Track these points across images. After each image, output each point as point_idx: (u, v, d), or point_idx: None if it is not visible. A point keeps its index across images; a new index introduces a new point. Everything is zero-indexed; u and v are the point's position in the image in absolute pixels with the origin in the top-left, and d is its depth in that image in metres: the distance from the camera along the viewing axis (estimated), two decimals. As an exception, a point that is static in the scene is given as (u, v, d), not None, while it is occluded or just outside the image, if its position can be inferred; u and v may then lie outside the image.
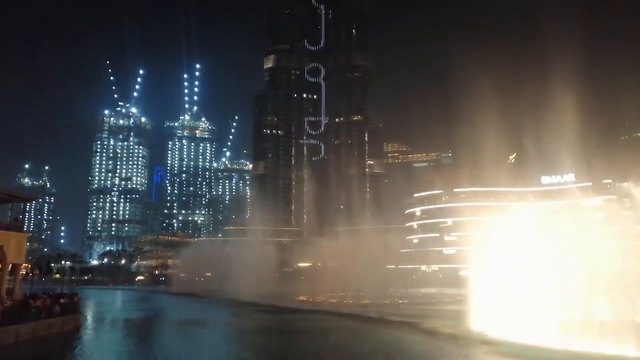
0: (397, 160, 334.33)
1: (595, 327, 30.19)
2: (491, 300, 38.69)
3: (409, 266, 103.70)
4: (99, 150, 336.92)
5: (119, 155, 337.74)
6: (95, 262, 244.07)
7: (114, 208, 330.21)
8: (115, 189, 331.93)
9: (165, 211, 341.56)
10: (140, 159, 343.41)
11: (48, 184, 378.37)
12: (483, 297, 39.46)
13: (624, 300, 32.52)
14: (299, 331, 42.60)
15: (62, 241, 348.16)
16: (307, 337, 38.83)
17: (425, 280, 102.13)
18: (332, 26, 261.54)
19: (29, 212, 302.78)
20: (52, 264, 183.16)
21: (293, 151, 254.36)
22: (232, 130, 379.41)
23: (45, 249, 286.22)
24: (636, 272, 31.88)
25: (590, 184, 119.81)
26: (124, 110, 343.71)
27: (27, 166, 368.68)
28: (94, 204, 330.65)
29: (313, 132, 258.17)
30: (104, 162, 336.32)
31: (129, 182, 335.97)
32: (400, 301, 70.47)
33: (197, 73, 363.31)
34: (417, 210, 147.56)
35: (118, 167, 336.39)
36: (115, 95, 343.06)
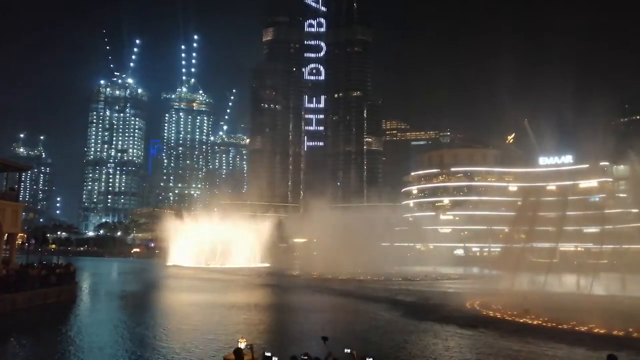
0: (395, 138, 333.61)
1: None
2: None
3: (404, 244, 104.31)
4: (94, 121, 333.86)
5: (115, 126, 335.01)
6: (91, 234, 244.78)
7: (110, 180, 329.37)
8: (111, 160, 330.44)
9: (162, 184, 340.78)
10: (136, 130, 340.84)
11: (43, 154, 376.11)
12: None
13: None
14: (291, 307, 42.97)
15: (57, 212, 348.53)
16: (296, 312, 39.14)
17: (420, 258, 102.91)
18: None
19: (25, 182, 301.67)
20: (48, 235, 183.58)
21: (291, 126, 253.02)
22: (230, 103, 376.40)
23: (41, 220, 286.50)
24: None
25: (587, 165, 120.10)
26: (120, 81, 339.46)
27: (22, 136, 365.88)
28: (90, 175, 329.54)
29: (311, 107, 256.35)
30: (99, 133, 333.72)
31: (125, 154, 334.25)
32: (394, 278, 71.10)
33: (194, 44, 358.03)
34: (414, 189, 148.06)
35: (114, 138, 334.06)
36: (112, 66, 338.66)
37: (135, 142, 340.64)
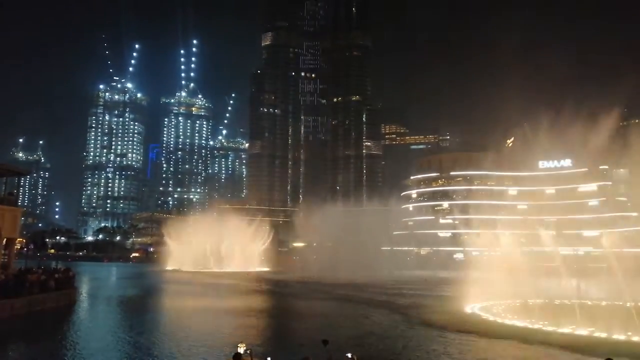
0: (394, 142, 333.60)
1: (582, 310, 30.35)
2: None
3: (403, 248, 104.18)
4: (94, 125, 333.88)
5: (114, 131, 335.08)
6: (90, 238, 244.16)
7: (109, 184, 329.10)
8: (110, 165, 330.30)
9: (161, 188, 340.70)
10: (135, 135, 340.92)
11: (42, 158, 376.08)
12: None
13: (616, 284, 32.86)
14: (290, 311, 42.85)
15: (56, 216, 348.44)
16: (296, 316, 39.01)
17: (419, 262, 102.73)
18: (332, 4, 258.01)
19: (24, 186, 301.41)
20: (47, 239, 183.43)
21: (290, 130, 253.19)
22: (229, 108, 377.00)
23: (40, 224, 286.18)
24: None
25: (586, 169, 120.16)
26: (119, 86, 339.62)
27: (21, 140, 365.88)
28: (89, 179, 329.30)
29: (311, 112, 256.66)
30: (99, 137, 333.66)
31: (124, 158, 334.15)
32: (394, 283, 70.95)
33: (194, 49, 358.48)
34: (413, 193, 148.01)
35: (113, 143, 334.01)
36: (111, 70, 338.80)
37: (135, 147, 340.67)
